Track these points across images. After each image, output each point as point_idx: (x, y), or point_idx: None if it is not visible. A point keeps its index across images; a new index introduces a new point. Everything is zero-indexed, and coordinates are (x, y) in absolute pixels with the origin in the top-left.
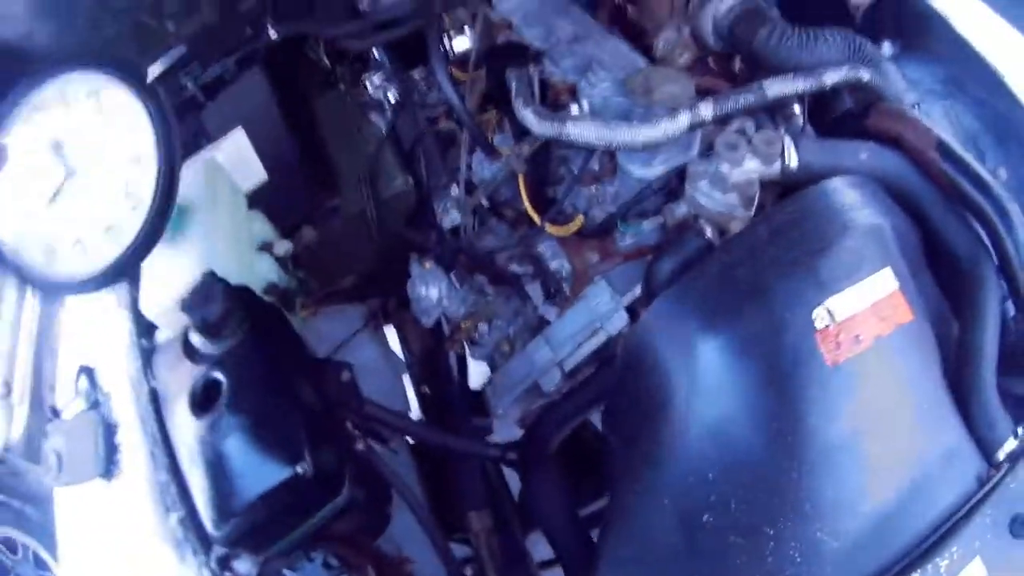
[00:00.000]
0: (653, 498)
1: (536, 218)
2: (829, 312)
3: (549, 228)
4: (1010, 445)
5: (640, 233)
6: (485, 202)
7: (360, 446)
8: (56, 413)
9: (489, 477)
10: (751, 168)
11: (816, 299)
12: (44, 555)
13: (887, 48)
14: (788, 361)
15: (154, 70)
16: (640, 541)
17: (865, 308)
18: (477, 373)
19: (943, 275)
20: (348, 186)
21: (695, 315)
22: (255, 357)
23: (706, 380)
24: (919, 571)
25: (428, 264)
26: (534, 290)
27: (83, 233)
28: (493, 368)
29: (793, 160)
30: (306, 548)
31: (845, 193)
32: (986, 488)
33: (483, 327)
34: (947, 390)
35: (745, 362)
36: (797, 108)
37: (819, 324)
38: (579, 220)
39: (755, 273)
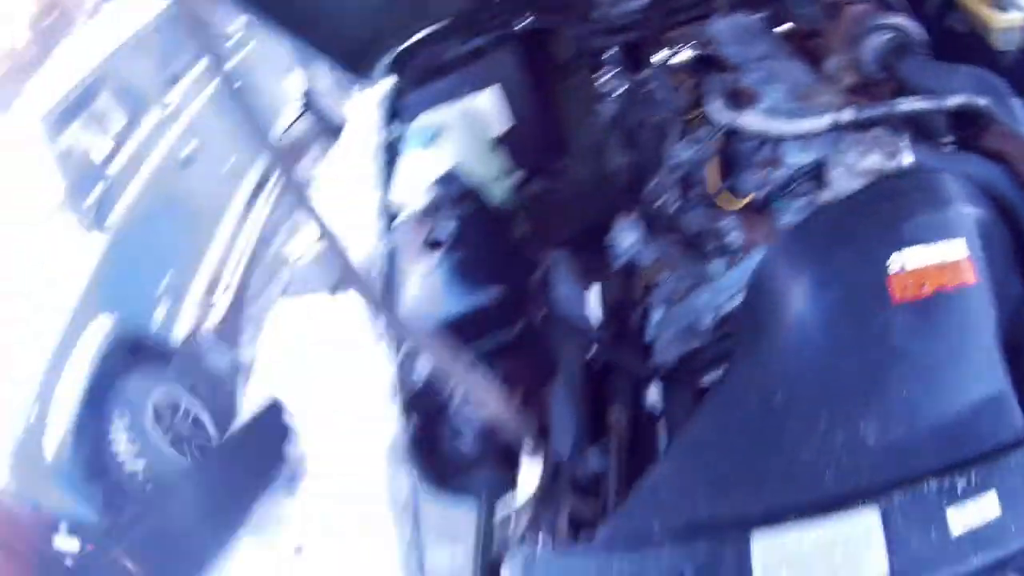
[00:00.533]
0: (747, 388)
1: (720, 193)
2: (903, 262)
3: (727, 200)
4: None
5: (792, 211)
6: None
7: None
8: None
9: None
10: (874, 160)
11: (894, 250)
12: (204, 418)
13: None
14: (865, 291)
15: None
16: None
17: (932, 264)
18: None
19: None
20: (577, 155)
21: (804, 249)
22: (475, 227)
23: (806, 298)
24: (937, 480)
25: (633, 216)
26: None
27: None
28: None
29: (908, 158)
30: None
31: (943, 182)
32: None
33: (664, 275)
34: (1002, 354)
35: (835, 287)
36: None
37: (892, 269)
38: (750, 197)
39: (853, 225)
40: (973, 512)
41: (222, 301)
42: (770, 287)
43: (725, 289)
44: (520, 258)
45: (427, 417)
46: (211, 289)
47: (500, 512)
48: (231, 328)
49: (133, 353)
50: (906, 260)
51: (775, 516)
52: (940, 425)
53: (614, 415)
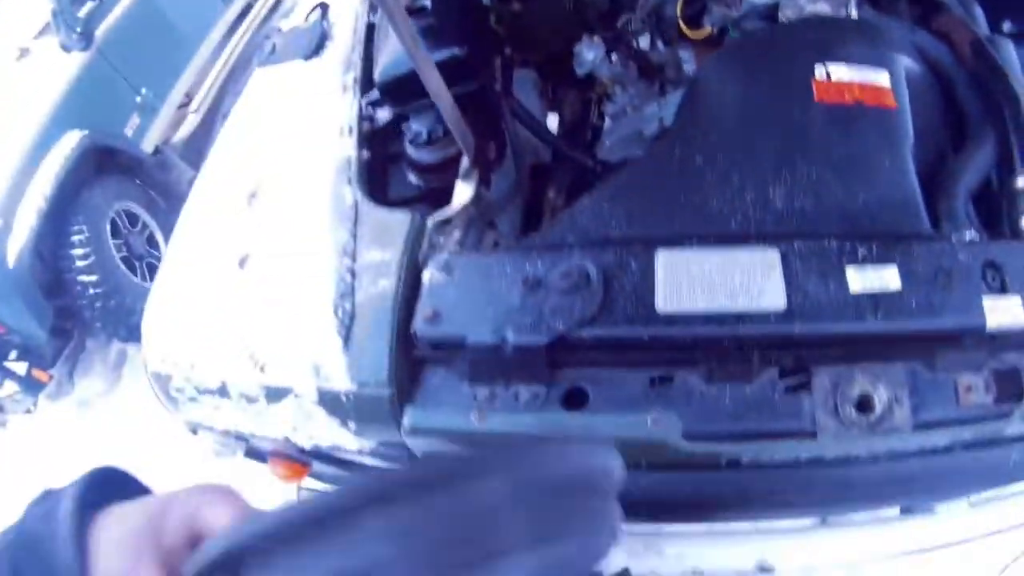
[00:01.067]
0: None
1: (682, 23)
2: (828, 71)
3: (687, 30)
4: (967, 236)
5: None
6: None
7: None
8: None
9: None
10: (823, 7)
11: (821, 60)
12: (158, 238)
13: (1007, 26)
14: (790, 86)
15: None
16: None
17: (855, 81)
18: None
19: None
20: None
21: (742, 53)
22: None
23: (736, 86)
24: (838, 241)
25: (596, 39)
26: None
27: None
28: None
29: (854, 12)
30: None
31: (882, 29)
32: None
33: (619, 89)
34: (914, 175)
35: (763, 80)
36: None
37: (818, 75)
38: (708, 30)
39: (789, 40)
40: (872, 277)
41: (192, 119)
42: (706, 79)
43: (673, 104)
44: (488, 31)
45: (380, 154)
46: (183, 105)
47: (431, 222)
48: (197, 146)
49: (100, 165)
50: (831, 71)
51: (680, 240)
52: (845, 207)
53: (551, 194)
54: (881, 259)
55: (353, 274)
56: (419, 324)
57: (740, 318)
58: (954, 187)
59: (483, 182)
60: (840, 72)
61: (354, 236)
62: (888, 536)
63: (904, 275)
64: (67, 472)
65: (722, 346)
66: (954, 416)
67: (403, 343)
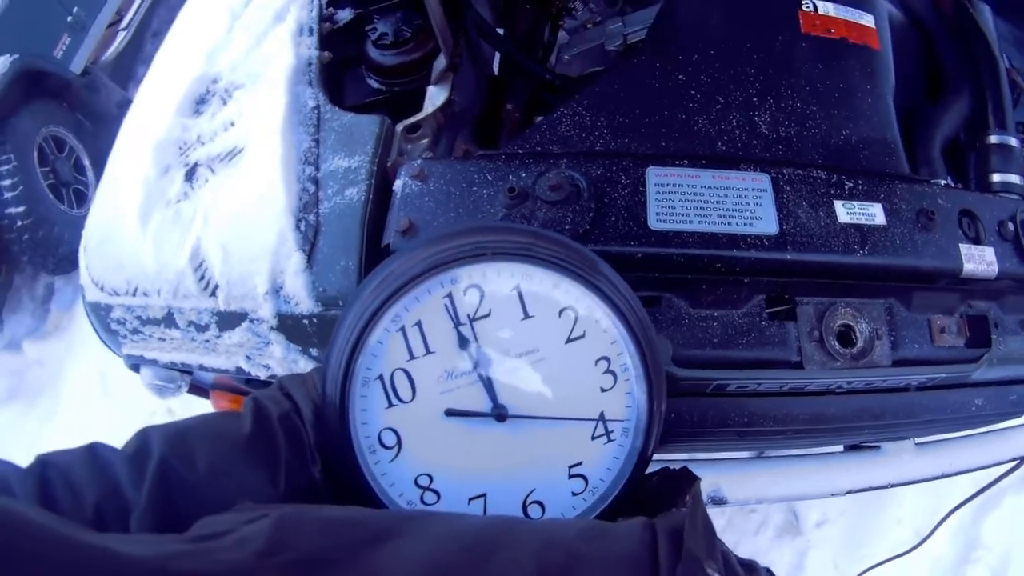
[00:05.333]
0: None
1: None
2: (814, 4)
3: None
4: (942, 183)
5: None
6: None
7: None
8: None
9: None
10: None
11: None
12: (85, 162)
13: None
14: (776, 16)
15: None
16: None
17: (840, 18)
18: None
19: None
20: None
21: None
22: None
23: (719, 12)
24: (825, 172)
25: None
26: None
27: None
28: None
29: None
30: None
31: None
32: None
33: (580, 4)
34: (895, 118)
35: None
36: None
37: (805, 7)
38: None
39: None
40: (859, 211)
41: (121, 37)
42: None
43: (640, 22)
44: None
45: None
46: (113, 24)
47: (400, 127)
48: (127, 66)
49: (28, 90)
50: (817, 5)
51: (669, 159)
52: (829, 141)
53: (509, 106)
54: (867, 195)
55: (316, 183)
56: (392, 237)
57: (735, 240)
58: (932, 136)
59: (453, 88)
60: (827, 7)
61: (316, 141)
62: (834, 472)
63: (888, 212)
64: None
65: (715, 268)
66: (929, 355)
67: (373, 258)
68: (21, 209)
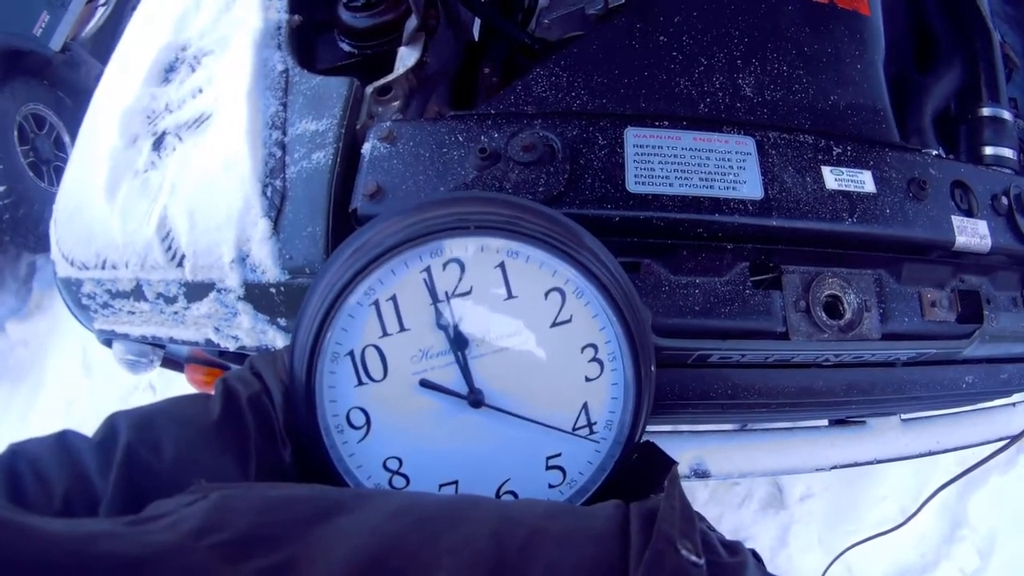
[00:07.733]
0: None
1: None
2: None
3: None
4: (934, 153)
5: None
6: None
7: None
8: None
9: None
10: None
11: None
12: (66, 139)
13: None
14: None
15: None
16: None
17: None
18: None
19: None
20: None
21: None
22: None
23: None
24: (812, 137)
25: None
26: None
27: None
28: None
29: None
30: None
31: None
32: (901, 144)
33: None
34: (885, 85)
35: None
36: None
37: None
38: None
39: None
40: (848, 178)
41: (101, 12)
42: None
43: None
44: None
45: (307, 20)
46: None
47: (370, 89)
48: (106, 41)
49: (8, 69)
50: None
51: (648, 119)
52: (817, 106)
53: (486, 70)
54: (856, 161)
55: (283, 148)
56: (360, 201)
57: (717, 204)
58: (923, 105)
59: (426, 49)
60: None
61: (284, 105)
62: (819, 447)
63: (878, 180)
64: None
65: (696, 233)
66: (920, 330)
67: (341, 224)
68: (1, 188)
